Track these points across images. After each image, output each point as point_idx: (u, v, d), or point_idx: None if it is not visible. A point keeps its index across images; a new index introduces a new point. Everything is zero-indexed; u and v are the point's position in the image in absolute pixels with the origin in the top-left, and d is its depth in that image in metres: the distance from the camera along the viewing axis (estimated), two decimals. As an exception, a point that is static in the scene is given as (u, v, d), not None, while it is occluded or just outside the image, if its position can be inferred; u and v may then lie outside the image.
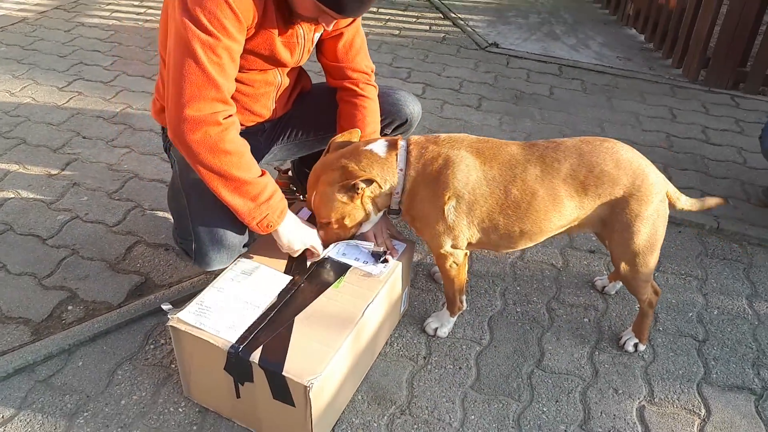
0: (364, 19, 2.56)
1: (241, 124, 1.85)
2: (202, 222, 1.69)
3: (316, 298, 1.60)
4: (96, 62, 3.68)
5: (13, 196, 2.46)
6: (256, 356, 1.42)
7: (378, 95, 1.94)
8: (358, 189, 1.60)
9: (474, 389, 1.75)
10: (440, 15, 4.71)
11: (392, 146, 1.64)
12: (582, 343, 1.91)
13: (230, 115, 1.56)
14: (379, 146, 1.64)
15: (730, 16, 3.46)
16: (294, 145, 2.07)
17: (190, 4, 1.45)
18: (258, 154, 1.80)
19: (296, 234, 1.69)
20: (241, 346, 1.44)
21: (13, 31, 4.10)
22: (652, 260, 1.69)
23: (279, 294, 1.61)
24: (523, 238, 1.68)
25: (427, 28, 4.46)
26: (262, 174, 1.62)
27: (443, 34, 4.34)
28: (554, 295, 2.09)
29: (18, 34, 4.04)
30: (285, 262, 1.72)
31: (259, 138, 1.97)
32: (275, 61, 1.72)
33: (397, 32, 4.34)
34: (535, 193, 1.61)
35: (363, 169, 1.60)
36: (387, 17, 4.60)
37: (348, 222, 1.67)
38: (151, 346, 1.83)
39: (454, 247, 1.69)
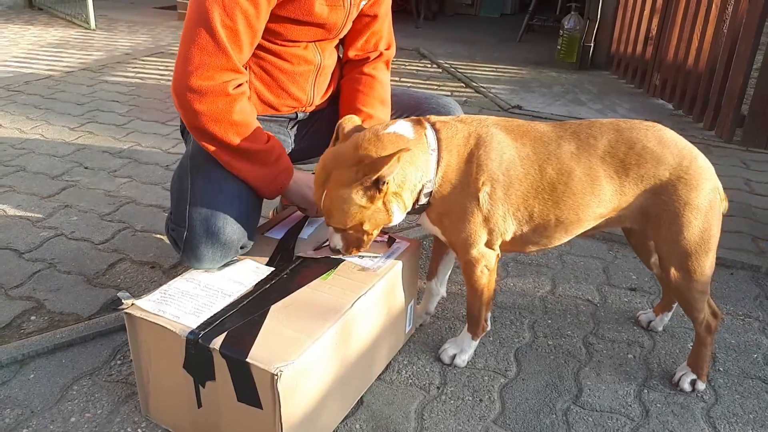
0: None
1: (275, 108, 1.69)
2: (199, 208, 1.46)
3: (298, 288, 1.35)
4: (112, 110, 3.63)
5: (-1, 214, 2.29)
6: (217, 342, 1.16)
7: (425, 98, 1.80)
8: (380, 185, 1.29)
9: (498, 424, 1.43)
10: (462, 84, 4.68)
11: (418, 124, 1.39)
12: (627, 379, 1.60)
13: (240, 85, 1.45)
14: (404, 127, 1.36)
15: (766, 68, 3.32)
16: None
17: None
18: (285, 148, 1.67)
19: (306, 190, 1.59)
20: (202, 332, 1.18)
21: (37, 84, 4.13)
22: (707, 263, 1.42)
23: (256, 284, 1.36)
24: (558, 229, 1.43)
25: (449, 93, 4.40)
26: (269, 139, 1.52)
27: (465, 98, 4.27)
28: (592, 330, 1.79)
29: (41, 86, 4.06)
30: (269, 256, 1.49)
31: (289, 130, 1.79)
32: (316, 24, 1.55)
33: (419, 95, 4.28)
34: (572, 173, 1.38)
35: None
36: (409, 84, 4.57)
37: (368, 227, 1.37)
38: (118, 362, 1.56)
39: (488, 245, 1.43)
